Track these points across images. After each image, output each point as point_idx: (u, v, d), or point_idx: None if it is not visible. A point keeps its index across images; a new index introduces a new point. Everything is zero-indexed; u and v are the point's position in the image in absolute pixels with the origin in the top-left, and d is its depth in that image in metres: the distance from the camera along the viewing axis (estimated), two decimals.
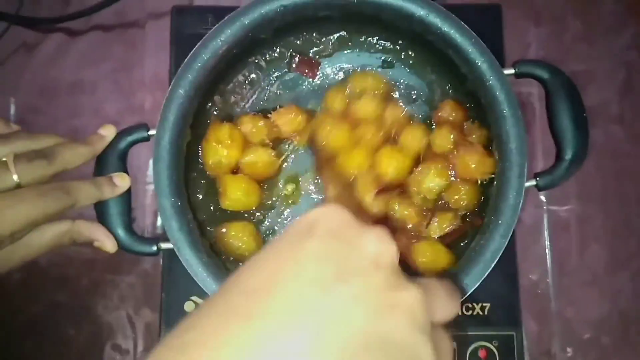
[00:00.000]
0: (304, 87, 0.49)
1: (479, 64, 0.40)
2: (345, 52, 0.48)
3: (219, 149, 0.43)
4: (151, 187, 0.53)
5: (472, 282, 0.38)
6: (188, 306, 0.48)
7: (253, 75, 0.47)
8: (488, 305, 0.48)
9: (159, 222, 0.52)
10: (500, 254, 0.39)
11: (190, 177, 0.43)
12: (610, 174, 0.54)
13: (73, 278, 0.53)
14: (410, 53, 0.48)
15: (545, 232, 0.53)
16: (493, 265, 0.39)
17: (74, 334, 0.52)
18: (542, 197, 0.53)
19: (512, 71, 0.41)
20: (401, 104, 0.46)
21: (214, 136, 0.43)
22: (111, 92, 0.55)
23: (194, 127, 0.42)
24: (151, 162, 0.41)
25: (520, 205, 0.39)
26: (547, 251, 0.53)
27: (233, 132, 0.43)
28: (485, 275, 0.38)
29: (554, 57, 0.55)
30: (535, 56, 0.55)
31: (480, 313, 0.48)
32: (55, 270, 0.53)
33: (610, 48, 0.56)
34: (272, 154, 0.45)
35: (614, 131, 0.55)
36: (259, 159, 0.44)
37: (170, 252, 0.41)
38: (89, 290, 0.52)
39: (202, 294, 0.48)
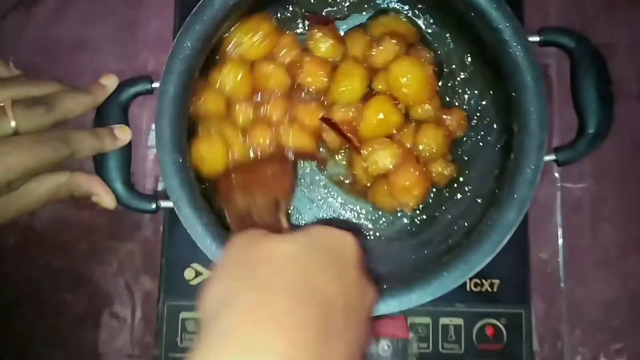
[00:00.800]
0: None
1: (502, 29, 0.38)
2: (362, 14, 0.46)
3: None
4: (152, 151, 0.51)
5: (483, 257, 0.37)
6: (188, 273, 0.47)
7: None
8: (497, 281, 0.47)
9: (160, 187, 0.50)
10: (514, 229, 0.37)
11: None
12: (626, 153, 0.52)
13: (70, 244, 0.51)
14: (429, 19, 0.46)
15: (558, 210, 0.51)
16: (506, 240, 0.37)
17: (71, 300, 0.51)
18: (556, 174, 0.51)
19: (536, 39, 0.39)
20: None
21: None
22: (113, 51, 0.53)
23: (199, 83, 0.40)
24: (153, 125, 0.39)
25: (538, 179, 0.38)
26: (559, 230, 0.51)
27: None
28: (498, 250, 0.37)
29: (574, 28, 0.53)
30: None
31: (489, 290, 0.46)
32: (53, 235, 0.52)
33: (631, 20, 0.54)
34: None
35: (633, 108, 0.53)
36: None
37: (171, 215, 0.40)
38: (87, 256, 0.51)
39: (203, 261, 0.47)
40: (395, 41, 0.42)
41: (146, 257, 0.51)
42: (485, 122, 0.45)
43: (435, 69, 0.43)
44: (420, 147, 0.42)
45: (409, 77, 0.41)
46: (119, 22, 0.53)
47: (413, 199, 0.41)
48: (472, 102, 0.46)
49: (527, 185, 0.38)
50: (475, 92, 0.46)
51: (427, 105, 0.43)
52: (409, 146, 0.42)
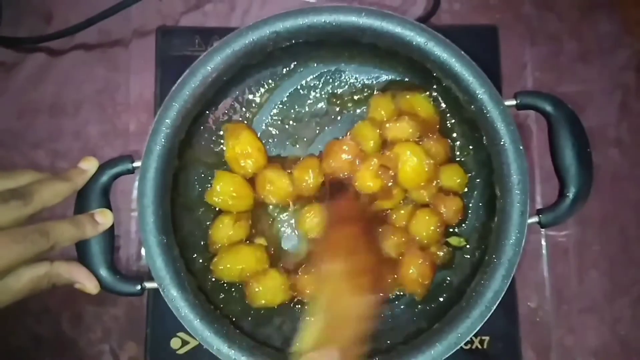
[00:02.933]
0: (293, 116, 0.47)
1: (479, 95, 0.39)
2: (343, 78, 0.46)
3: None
4: (136, 213, 0.50)
5: (475, 324, 0.37)
6: (175, 343, 0.46)
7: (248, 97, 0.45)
8: (487, 338, 0.46)
9: (144, 252, 0.50)
10: (503, 294, 0.37)
11: (177, 208, 0.41)
12: (608, 198, 0.53)
13: (54, 310, 0.50)
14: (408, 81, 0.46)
15: (544, 258, 0.52)
16: (495, 306, 0.37)
17: None
18: None
19: (513, 102, 0.40)
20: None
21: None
22: (94, 114, 0.53)
23: (181, 157, 0.40)
24: (137, 184, 0.39)
25: (523, 243, 0.38)
26: (546, 277, 0.51)
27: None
28: (488, 317, 0.37)
29: (550, 77, 0.54)
30: (531, 77, 0.54)
31: (480, 347, 0.46)
32: (36, 301, 0.50)
33: (606, 69, 0.55)
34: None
35: (612, 154, 0.54)
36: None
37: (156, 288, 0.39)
38: (71, 322, 0.50)
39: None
40: (412, 123, 0.42)
41: (131, 322, 0.50)
42: (468, 175, 0.46)
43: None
44: (412, 232, 0.43)
45: (406, 163, 0.41)
46: (99, 84, 0.53)
47: (424, 288, 0.42)
48: (455, 154, 0.46)
49: (513, 250, 0.38)
50: (457, 143, 0.46)
51: (421, 190, 0.43)
52: (410, 236, 0.43)
